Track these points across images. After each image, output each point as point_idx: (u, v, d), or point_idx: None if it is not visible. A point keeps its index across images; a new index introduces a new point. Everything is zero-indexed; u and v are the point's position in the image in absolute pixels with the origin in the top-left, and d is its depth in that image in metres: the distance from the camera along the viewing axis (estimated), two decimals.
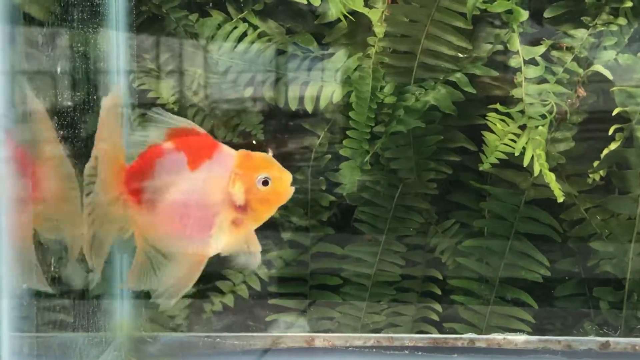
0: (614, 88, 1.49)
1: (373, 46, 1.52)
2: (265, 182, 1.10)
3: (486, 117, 1.47)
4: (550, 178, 1.39)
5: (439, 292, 1.56)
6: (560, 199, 1.40)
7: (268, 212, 1.14)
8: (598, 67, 1.48)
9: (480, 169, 1.45)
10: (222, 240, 1.12)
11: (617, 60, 1.50)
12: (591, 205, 1.55)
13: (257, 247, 1.14)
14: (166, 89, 1.58)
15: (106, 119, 1.09)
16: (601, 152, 1.49)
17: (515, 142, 1.44)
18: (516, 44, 1.43)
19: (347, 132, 1.49)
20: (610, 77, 1.47)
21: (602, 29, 1.51)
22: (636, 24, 1.52)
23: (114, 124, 1.11)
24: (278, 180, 1.11)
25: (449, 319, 1.58)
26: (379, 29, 1.50)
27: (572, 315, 1.56)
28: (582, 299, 1.54)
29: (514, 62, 1.46)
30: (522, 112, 1.43)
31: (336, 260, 1.61)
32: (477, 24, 1.52)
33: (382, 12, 1.48)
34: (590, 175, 1.54)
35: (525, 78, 1.45)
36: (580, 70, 1.50)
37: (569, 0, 1.54)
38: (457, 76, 1.48)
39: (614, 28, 1.50)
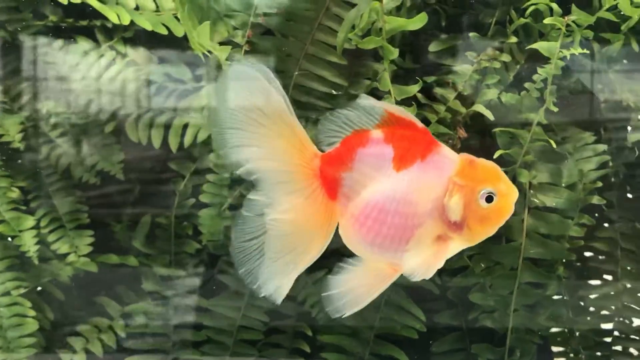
0: (496, 129, 1.41)
1: None
2: (489, 199, 0.93)
3: None
4: None
5: (307, 349, 1.43)
6: None
7: (485, 234, 0.96)
8: (479, 107, 1.40)
9: None
10: (419, 256, 0.95)
11: (500, 100, 1.43)
12: (474, 252, 1.45)
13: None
14: (14, 125, 1.44)
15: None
16: None
17: None
18: (387, 83, 1.33)
19: (207, 176, 1.36)
20: (491, 117, 1.39)
21: (487, 65, 1.44)
22: (522, 61, 1.45)
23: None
24: (504, 196, 0.94)
25: None
26: None
27: None
28: (462, 354, 1.43)
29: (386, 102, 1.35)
30: None
31: (202, 314, 1.47)
32: (358, 59, 1.42)
33: (243, 47, 1.35)
34: None
35: None
36: (463, 110, 1.41)
37: (455, 34, 1.47)
38: None
39: (497, 65, 1.43)
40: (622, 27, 1.42)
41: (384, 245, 0.95)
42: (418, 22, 1.28)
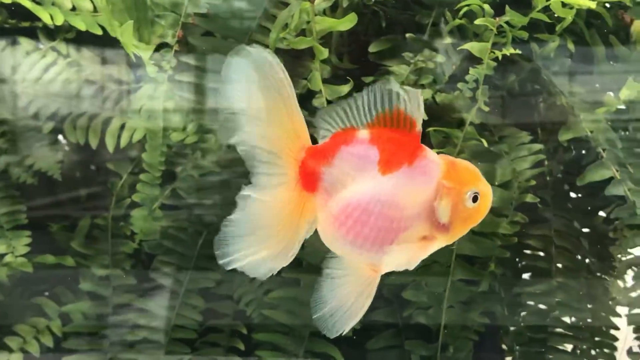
0: (430, 129, 1.42)
1: None
2: (475, 199, 0.94)
3: None
4: None
5: (242, 347, 1.43)
6: None
7: (463, 233, 0.97)
8: None
9: None
10: (400, 257, 0.95)
11: (435, 99, 1.44)
12: None
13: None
14: None
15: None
16: None
17: None
18: (318, 83, 1.33)
19: (140, 176, 1.36)
20: (425, 117, 1.40)
21: (423, 66, 1.46)
22: (458, 61, 1.47)
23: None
24: (485, 196, 0.95)
25: None
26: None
27: None
28: (397, 351, 1.44)
29: (317, 102, 1.36)
30: None
31: (137, 314, 1.47)
32: (297, 59, 1.43)
33: (172, 48, 1.35)
34: None
35: None
36: None
37: (395, 35, 1.48)
38: None
39: (431, 65, 1.45)
40: (557, 28, 1.45)
41: (365, 246, 0.95)
42: (347, 22, 1.29)
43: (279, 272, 1.40)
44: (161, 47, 1.38)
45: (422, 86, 1.45)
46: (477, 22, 1.36)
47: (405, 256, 0.95)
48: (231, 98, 0.95)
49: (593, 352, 1.56)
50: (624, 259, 1.58)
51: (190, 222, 1.43)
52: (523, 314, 1.54)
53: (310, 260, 1.41)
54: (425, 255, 0.97)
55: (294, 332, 1.42)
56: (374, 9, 1.51)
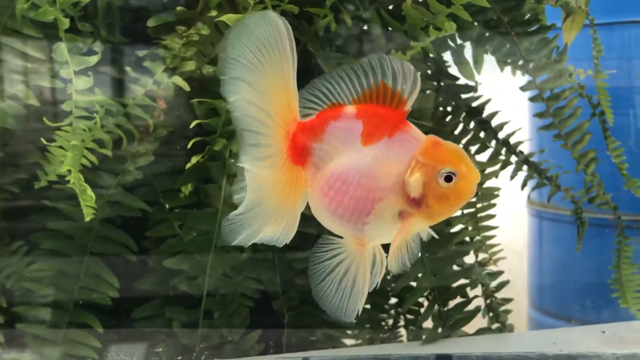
0: (193, 100, 1.45)
1: None
2: (448, 178, 0.92)
3: (55, 132, 1.36)
4: (85, 197, 1.27)
5: (1, 320, 1.42)
6: (87, 218, 1.27)
7: (444, 213, 0.96)
8: (176, 79, 1.43)
9: (37, 186, 1.35)
10: (381, 231, 0.95)
11: (202, 71, 1.47)
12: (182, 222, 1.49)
13: (417, 249, 0.97)
14: None
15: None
16: None
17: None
18: (64, 53, 1.33)
19: None
20: (187, 88, 1.43)
21: (194, 39, 1.48)
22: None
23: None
24: (464, 178, 0.93)
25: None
26: None
27: (148, 338, 1.47)
28: (162, 320, 1.46)
29: (65, 72, 1.34)
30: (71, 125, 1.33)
31: None
32: None
33: None
34: (183, 190, 1.50)
35: (76, 90, 1.33)
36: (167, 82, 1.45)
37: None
38: None
39: (196, 38, 1.47)
40: (327, 2, 1.50)
41: (345, 216, 0.96)
42: None
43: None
44: None
45: (190, 59, 1.47)
46: None
47: (386, 229, 0.96)
48: (235, 62, 0.95)
49: None
50: None
51: None
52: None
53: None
54: (406, 232, 0.97)
55: (57, 304, 1.42)
56: None
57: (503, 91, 1.83)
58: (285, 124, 0.98)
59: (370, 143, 0.96)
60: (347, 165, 0.96)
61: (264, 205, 0.99)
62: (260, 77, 0.96)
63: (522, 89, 1.68)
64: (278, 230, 0.99)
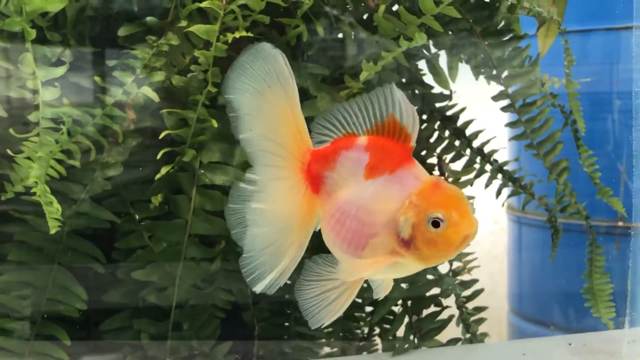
0: (163, 111, 1.44)
1: None
2: (435, 223, 0.91)
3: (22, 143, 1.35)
4: (51, 209, 1.27)
5: None
6: (53, 231, 1.26)
7: (435, 257, 0.94)
8: (145, 90, 1.43)
9: (3, 197, 1.34)
10: (373, 264, 0.95)
11: (172, 82, 1.46)
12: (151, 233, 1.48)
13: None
14: None
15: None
16: None
17: None
18: (31, 64, 1.32)
19: None
20: (157, 99, 1.42)
21: (164, 49, 1.47)
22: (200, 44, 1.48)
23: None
24: (453, 226, 0.91)
25: None
26: None
27: (117, 350, 1.47)
28: (130, 332, 1.45)
29: (31, 83, 1.33)
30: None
31: None
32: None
33: None
34: (152, 201, 1.49)
35: (43, 101, 1.32)
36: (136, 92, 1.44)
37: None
38: None
39: (166, 48, 1.46)
40: (298, 13, 1.49)
41: (343, 248, 0.96)
42: (58, 3, 1.29)
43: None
44: None
45: (160, 69, 1.47)
46: (203, 5, 1.39)
47: (377, 266, 0.96)
48: (240, 97, 0.97)
49: None
50: None
51: None
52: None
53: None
54: (398, 272, 0.98)
55: (24, 316, 1.41)
56: None
57: (479, 100, 1.83)
58: (300, 154, 0.99)
59: (372, 177, 0.96)
60: (348, 197, 0.97)
61: (284, 238, 0.99)
62: (268, 110, 0.98)
63: (494, 98, 1.68)
64: (297, 256, 1.00)
